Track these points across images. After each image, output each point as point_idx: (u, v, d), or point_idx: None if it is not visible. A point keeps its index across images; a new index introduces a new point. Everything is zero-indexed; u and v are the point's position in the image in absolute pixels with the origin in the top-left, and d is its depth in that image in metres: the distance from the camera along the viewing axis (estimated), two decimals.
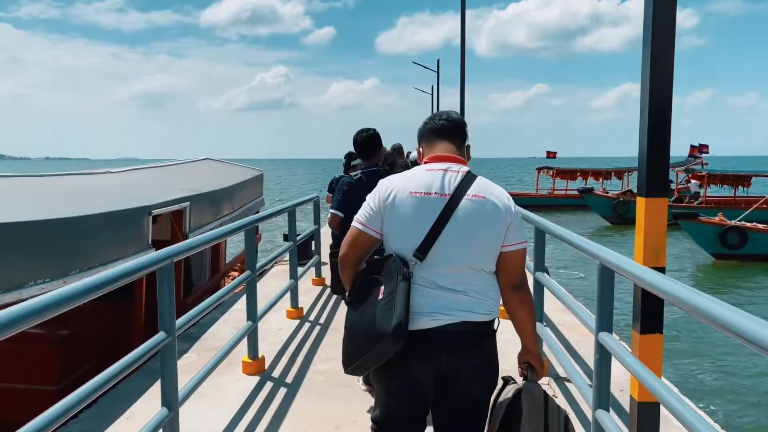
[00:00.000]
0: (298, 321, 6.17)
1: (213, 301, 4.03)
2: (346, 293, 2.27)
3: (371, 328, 2.00)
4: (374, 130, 4.40)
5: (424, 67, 34.90)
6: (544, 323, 4.64)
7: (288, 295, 6.14)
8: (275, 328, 5.90)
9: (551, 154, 36.83)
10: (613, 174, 32.55)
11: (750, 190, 27.51)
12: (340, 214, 4.23)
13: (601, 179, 32.31)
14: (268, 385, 4.48)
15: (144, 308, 5.62)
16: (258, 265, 4.97)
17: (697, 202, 26.82)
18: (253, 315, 4.67)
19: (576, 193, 29.08)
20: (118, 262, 4.96)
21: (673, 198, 27.86)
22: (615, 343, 2.87)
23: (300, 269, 7.10)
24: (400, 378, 2.12)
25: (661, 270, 2.88)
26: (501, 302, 2.25)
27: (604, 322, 2.94)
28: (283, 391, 4.37)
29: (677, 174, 29.59)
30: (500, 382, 2.33)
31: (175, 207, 6.13)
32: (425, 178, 2.16)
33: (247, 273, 4.59)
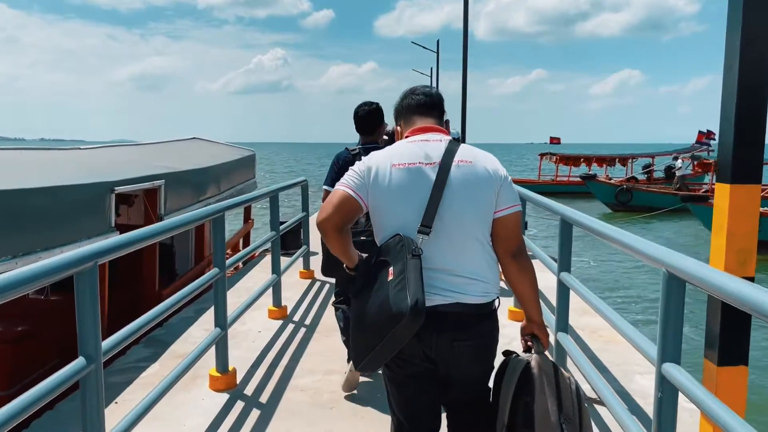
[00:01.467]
0: (280, 322, 5.42)
1: (175, 301, 3.30)
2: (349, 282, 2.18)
3: (384, 312, 1.88)
4: (377, 104, 4.06)
5: (424, 47, 34.05)
6: (568, 333, 3.90)
7: (270, 291, 5.41)
8: (254, 331, 5.15)
9: (555, 140, 35.94)
10: (617, 161, 31.80)
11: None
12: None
13: (605, 166, 31.58)
14: (239, 405, 3.73)
15: (107, 301, 4.88)
16: (231, 260, 4.21)
17: (686, 187, 26.24)
18: (221, 321, 3.92)
19: (579, 179, 28.32)
20: (68, 248, 4.22)
21: (678, 186, 27.25)
22: (686, 378, 2.12)
23: (288, 260, 6.36)
24: (397, 357, 2.03)
25: (750, 280, 2.13)
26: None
27: (670, 350, 2.19)
28: (256, 413, 3.63)
29: (682, 161, 28.93)
30: (501, 358, 2.21)
31: (147, 185, 5.35)
32: (407, 150, 2.10)
33: (213, 271, 3.83)
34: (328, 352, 4.65)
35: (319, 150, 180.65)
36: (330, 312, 5.74)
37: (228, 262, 4.09)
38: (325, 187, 3.99)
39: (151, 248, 5.40)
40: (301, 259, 7.01)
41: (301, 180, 7.00)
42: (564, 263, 3.83)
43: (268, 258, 7.60)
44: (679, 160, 28.51)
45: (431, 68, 42.42)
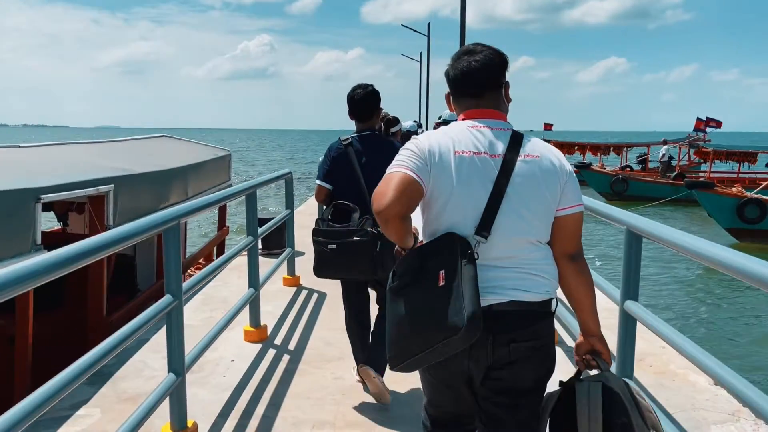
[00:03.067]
0: (259, 346, 4.47)
1: (118, 341, 2.42)
2: (391, 275, 1.90)
3: (435, 322, 1.73)
4: (372, 86, 3.65)
5: (414, 30, 32.99)
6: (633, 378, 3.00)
7: (248, 308, 4.46)
8: (226, 360, 4.20)
9: (548, 127, 35.09)
10: (611, 149, 31.02)
11: (754, 166, 26.23)
12: (327, 186, 3.56)
13: (599, 154, 30.78)
14: None
15: (31, 331, 3.89)
16: (191, 282, 3.25)
17: (673, 174, 25.64)
18: (177, 365, 2.97)
19: (573, 168, 27.48)
20: None
21: (674, 174, 26.55)
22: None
23: (269, 266, 5.40)
24: (438, 365, 1.86)
25: None
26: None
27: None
28: None
29: (680, 149, 28.25)
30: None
31: (91, 191, 4.35)
32: (470, 136, 1.88)
33: (165, 300, 2.87)
34: (317, 392, 3.71)
35: (311, 137, 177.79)
36: (320, 332, 4.80)
37: (186, 284, 3.13)
38: (318, 182, 3.61)
39: (96, 266, 4.41)
40: (284, 264, 6.05)
41: (285, 173, 6.01)
42: (630, 288, 2.91)
43: (241, 259, 6.64)
44: (664, 147, 27.97)
45: (420, 53, 41.31)
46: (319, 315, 5.24)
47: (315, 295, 5.84)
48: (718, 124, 29.61)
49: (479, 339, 1.75)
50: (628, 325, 2.94)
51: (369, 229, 3.27)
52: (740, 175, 25.74)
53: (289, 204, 6.20)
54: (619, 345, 2.97)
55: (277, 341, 4.60)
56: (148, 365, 4.06)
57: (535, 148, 1.90)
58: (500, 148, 1.87)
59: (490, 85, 1.95)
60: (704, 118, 29.00)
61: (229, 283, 6.10)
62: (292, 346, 4.52)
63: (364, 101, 3.58)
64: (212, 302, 5.52)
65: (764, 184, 17.67)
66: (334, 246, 3.32)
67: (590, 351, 2.01)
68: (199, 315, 5.15)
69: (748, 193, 16.25)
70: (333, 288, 5.78)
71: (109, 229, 4.37)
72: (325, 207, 3.60)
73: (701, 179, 22.16)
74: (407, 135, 6.97)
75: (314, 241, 3.44)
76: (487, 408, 1.92)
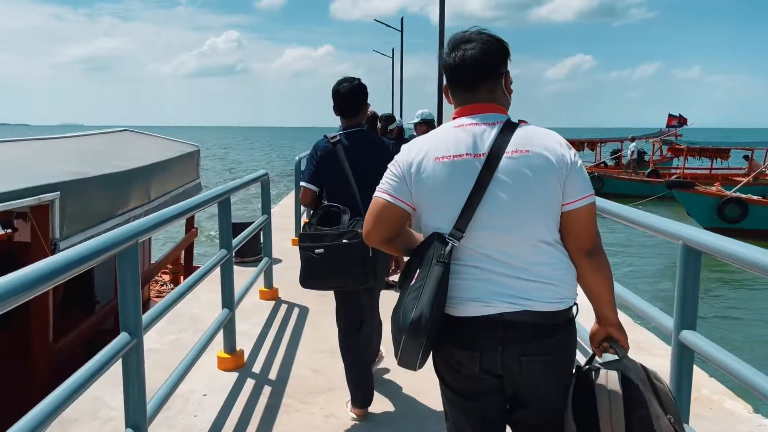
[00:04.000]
0: (235, 375, 3.90)
1: (69, 392, 1.89)
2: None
3: (395, 319, 1.75)
4: (359, 80, 3.40)
5: (387, 25, 32.42)
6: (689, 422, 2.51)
7: (222, 332, 3.88)
8: (197, 394, 3.61)
9: (522, 122, 34.67)
10: (585, 145, 30.85)
11: (727, 162, 26.34)
12: (313, 188, 3.35)
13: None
14: None
15: None
16: (150, 315, 2.66)
17: (647, 171, 25.69)
18: (137, 417, 2.39)
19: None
20: None
21: (648, 170, 26.54)
22: None
23: (245, 279, 4.82)
24: (454, 370, 1.83)
25: None
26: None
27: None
28: None
29: (653, 145, 28.26)
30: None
31: (31, 201, 3.71)
32: (453, 138, 1.81)
33: (120, 339, 2.29)
34: None
35: (285, 135, 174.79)
36: (305, 357, 4.24)
37: (148, 317, 2.55)
38: (303, 183, 3.37)
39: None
40: (262, 276, 5.46)
41: (261, 174, 5.42)
42: (687, 315, 2.42)
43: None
44: (632, 144, 28.03)
45: (393, 49, 40.80)
46: (302, 335, 4.68)
47: (296, 311, 5.27)
48: (684, 120, 29.75)
49: (489, 349, 1.74)
50: (683, 360, 2.45)
51: (359, 230, 2.95)
52: (713, 172, 25.83)
53: (266, 209, 5.61)
54: (672, 384, 2.48)
55: (256, 369, 4.03)
56: (105, 403, 3.46)
57: (526, 141, 1.78)
58: (485, 145, 1.78)
59: (486, 76, 1.84)
60: (677, 115, 29.09)
61: (200, 297, 5.46)
62: (273, 374, 3.95)
63: (351, 96, 3.35)
64: (180, 320, 4.92)
65: (744, 181, 17.59)
66: (321, 250, 3.05)
67: (607, 338, 1.91)
68: (164, 337, 4.55)
69: (727, 192, 16.11)
70: (316, 301, 5.26)
71: (54, 243, 3.74)
72: (311, 210, 3.35)
73: (679, 178, 22.09)
74: (428, 123, 6.52)
75: (301, 248, 3.16)
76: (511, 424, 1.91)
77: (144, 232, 2.46)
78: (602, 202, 3.11)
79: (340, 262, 3.02)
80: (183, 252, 7.95)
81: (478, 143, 1.78)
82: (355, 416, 3.28)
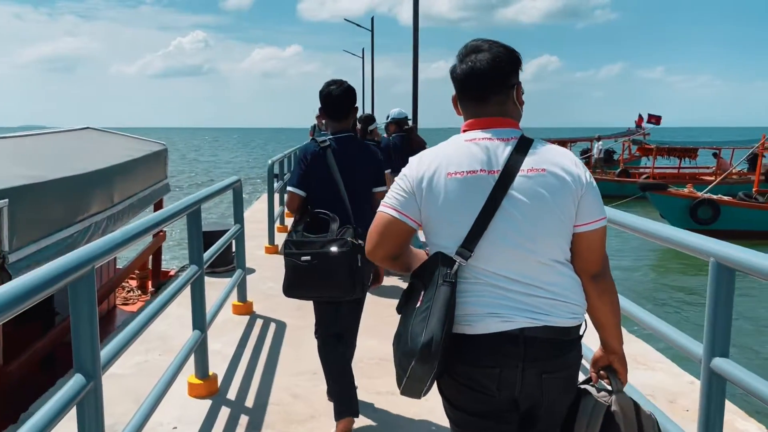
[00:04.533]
0: (208, 403, 3.55)
1: None
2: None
3: (403, 343, 1.66)
4: (347, 82, 3.30)
5: (358, 25, 32.03)
6: None
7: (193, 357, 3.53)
8: (165, 429, 3.26)
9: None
10: (556, 144, 30.90)
11: (695, 161, 26.69)
12: (300, 193, 3.18)
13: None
14: None
15: None
16: (110, 350, 2.31)
17: (615, 170, 25.88)
18: None
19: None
20: None
21: (618, 170, 26.72)
22: None
23: (217, 294, 4.46)
24: (468, 390, 1.73)
25: None
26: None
27: None
28: None
29: (623, 145, 28.49)
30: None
31: None
32: (466, 153, 1.73)
33: (75, 382, 1.94)
34: None
35: (256, 135, 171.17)
36: (283, 379, 3.91)
37: (107, 353, 2.20)
38: (290, 188, 3.21)
39: None
40: (235, 289, 5.10)
41: (233, 181, 5.07)
42: (718, 340, 2.17)
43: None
44: (599, 143, 28.28)
45: (363, 49, 40.27)
46: (280, 354, 4.35)
47: (272, 327, 4.94)
48: (658, 120, 29.98)
49: (509, 366, 1.68)
50: (713, 391, 2.20)
51: (349, 239, 2.93)
52: (681, 171, 26.12)
53: (239, 218, 5.25)
54: (700, 417, 2.23)
55: (231, 395, 3.68)
56: None
57: (542, 159, 1.73)
58: (500, 162, 1.72)
59: (497, 87, 1.78)
60: (650, 114, 29.36)
61: (169, 312, 5.06)
62: (249, 401, 3.61)
63: (340, 99, 3.24)
64: (147, 338, 4.52)
65: (716, 180, 17.69)
66: (308, 258, 2.94)
67: (607, 367, 1.89)
68: (130, 359, 4.16)
69: (699, 194, 16.17)
70: (293, 315, 4.93)
71: (3, 256, 3.33)
72: (298, 217, 3.20)
73: (648, 178, 22.18)
74: (398, 123, 6.29)
75: (286, 255, 3.04)
76: None
77: (101, 256, 2.12)
78: (615, 214, 2.85)
79: (327, 270, 2.93)
80: (150, 258, 7.52)
81: (492, 159, 1.73)
82: None
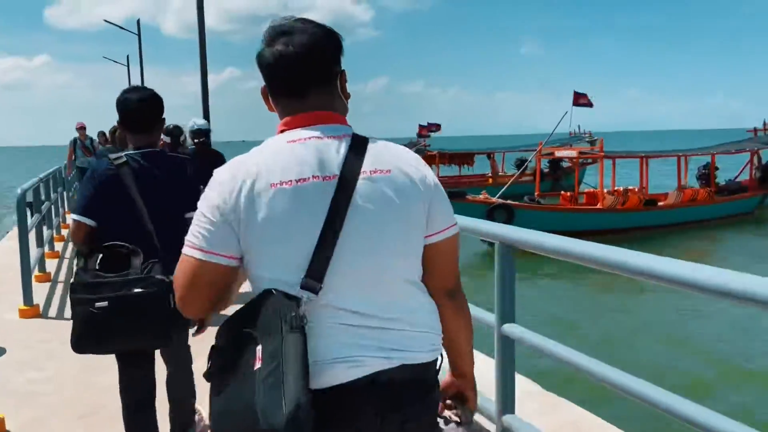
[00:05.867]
0: None
1: None
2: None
3: (250, 420, 1.22)
4: (152, 90, 2.89)
5: (121, 27, 29.68)
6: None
7: None
8: None
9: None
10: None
11: (472, 168, 29.45)
12: (88, 222, 2.63)
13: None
14: None
15: None
16: None
17: None
18: None
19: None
20: None
21: None
22: None
23: None
24: None
25: None
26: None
27: None
28: None
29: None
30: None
31: None
32: (291, 156, 1.39)
33: None
34: None
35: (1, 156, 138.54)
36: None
37: None
38: (74, 216, 2.67)
39: None
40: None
41: None
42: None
43: None
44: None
45: (127, 56, 34.75)
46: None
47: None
48: (438, 127, 32.32)
49: (362, 418, 1.39)
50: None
51: (158, 276, 2.44)
52: (462, 178, 28.49)
53: None
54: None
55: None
56: None
57: (384, 158, 1.44)
58: (335, 164, 1.40)
59: (318, 78, 1.46)
60: (426, 124, 31.60)
61: None
62: None
63: (141, 108, 2.77)
64: None
65: (509, 182, 19.22)
66: (105, 304, 2.40)
67: (456, 395, 1.69)
68: None
69: (494, 199, 17.59)
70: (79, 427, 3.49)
71: None
72: (85, 250, 2.62)
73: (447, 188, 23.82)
74: (199, 134, 5.72)
75: (73, 301, 2.48)
76: None
77: None
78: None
79: (133, 317, 2.43)
80: None
81: (326, 162, 1.40)
82: None
